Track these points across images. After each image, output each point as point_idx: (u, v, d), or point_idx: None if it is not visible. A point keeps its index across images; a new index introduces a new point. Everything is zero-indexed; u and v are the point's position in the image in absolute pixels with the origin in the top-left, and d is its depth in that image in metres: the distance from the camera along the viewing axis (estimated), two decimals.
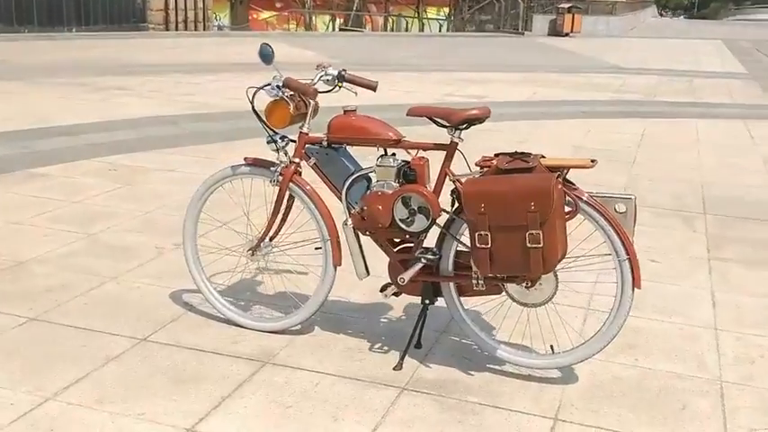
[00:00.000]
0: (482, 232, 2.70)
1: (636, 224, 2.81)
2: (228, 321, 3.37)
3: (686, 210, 5.51)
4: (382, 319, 3.51)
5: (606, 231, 2.76)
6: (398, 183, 2.97)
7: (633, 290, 2.80)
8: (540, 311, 3.08)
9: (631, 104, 10.77)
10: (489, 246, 2.70)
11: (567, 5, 27.07)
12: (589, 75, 14.49)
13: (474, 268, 2.88)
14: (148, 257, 4.17)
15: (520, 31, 29.17)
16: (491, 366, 3.09)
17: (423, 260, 2.94)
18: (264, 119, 3.13)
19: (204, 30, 25.45)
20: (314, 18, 36.00)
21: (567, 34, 26.87)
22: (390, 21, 38.15)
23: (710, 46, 24.93)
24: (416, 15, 37.53)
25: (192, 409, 2.72)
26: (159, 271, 3.99)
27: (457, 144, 2.94)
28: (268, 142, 3.16)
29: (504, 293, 2.96)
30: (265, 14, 36.60)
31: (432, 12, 39.54)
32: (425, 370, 3.05)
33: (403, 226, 2.94)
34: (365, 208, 2.98)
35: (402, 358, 3.07)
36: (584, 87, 12.48)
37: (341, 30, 33.54)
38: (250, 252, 3.28)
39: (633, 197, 2.81)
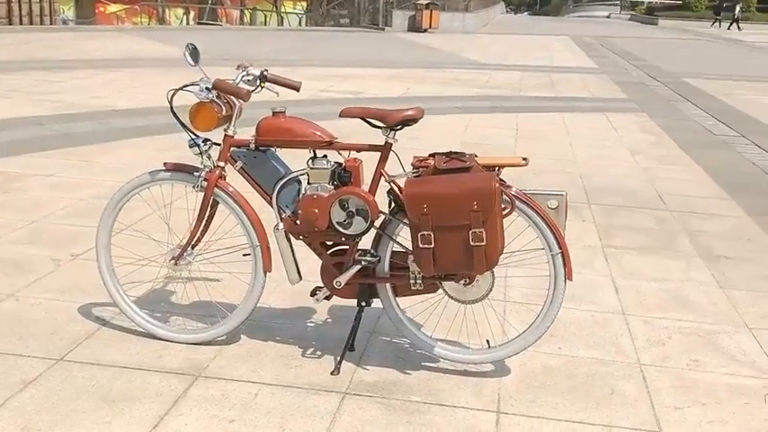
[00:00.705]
0: (425, 233, 2.71)
1: (566, 219, 2.92)
2: (150, 335, 3.21)
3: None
4: (309, 324, 3.46)
5: (539, 227, 2.86)
6: (333, 185, 2.93)
7: (565, 282, 2.91)
8: (468, 307, 3.14)
9: (500, 99, 11.16)
10: (432, 246, 2.72)
11: (425, 2, 27.62)
12: (455, 71, 14.87)
13: (412, 268, 2.90)
14: (45, 271, 3.90)
15: (380, 26, 29.51)
16: (426, 364, 3.12)
17: (363, 262, 2.92)
18: (187, 121, 2.99)
19: (51, 24, 24.01)
20: (167, 11, 34.78)
21: (425, 30, 27.44)
22: (247, 14, 37.48)
23: (559, 42, 26.23)
24: (274, 9, 37.07)
25: (130, 430, 2.58)
26: (61, 285, 3.74)
27: (391, 145, 2.94)
28: (190, 146, 3.02)
29: (439, 292, 2.99)
30: (113, 8, 34.96)
31: (288, 5, 39.19)
32: (363, 372, 3.04)
33: (340, 229, 2.90)
34: (300, 212, 2.92)
35: (339, 362, 3.03)
36: (454, 83, 12.80)
37: (198, 23, 32.63)
38: (173, 261, 3.13)
39: (564, 193, 2.92)
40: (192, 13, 35.74)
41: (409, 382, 2.99)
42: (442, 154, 2.84)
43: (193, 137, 3.02)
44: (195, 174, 3.03)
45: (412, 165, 2.89)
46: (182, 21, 35.05)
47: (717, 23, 43.52)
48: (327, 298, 3.12)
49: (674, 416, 2.83)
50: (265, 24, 35.43)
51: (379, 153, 2.94)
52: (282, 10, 37.52)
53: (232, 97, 2.98)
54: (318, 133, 2.96)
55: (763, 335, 3.54)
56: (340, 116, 2.94)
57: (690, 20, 50.34)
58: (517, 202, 2.81)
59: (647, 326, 3.60)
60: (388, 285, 3.01)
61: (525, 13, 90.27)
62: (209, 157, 3.03)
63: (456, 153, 2.83)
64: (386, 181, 2.92)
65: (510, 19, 58.16)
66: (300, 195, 2.98)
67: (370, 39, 24.43)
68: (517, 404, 2.87)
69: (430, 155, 2.90)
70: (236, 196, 3.03)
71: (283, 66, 14.30)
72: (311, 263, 3.19)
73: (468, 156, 2.82)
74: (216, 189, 3.03)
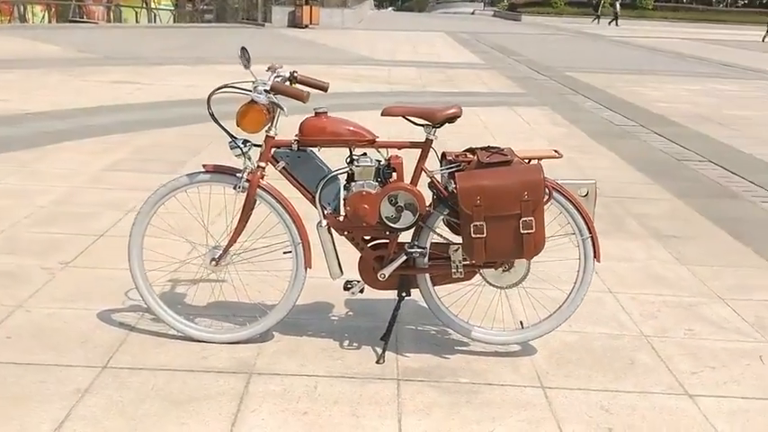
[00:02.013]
0: (477, 223, 2.88)
1: (596, 205, 3.18)
2: (186, 338, 3.21)
3: None
4: (333, 318, 3.56)
5: (571, 213, 3.09)
6: (377, 182, 3.05)
7: (594, 264, 3.16)
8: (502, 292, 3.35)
9: (410, 95, 11.42)
10: (484, 235, 2.90)
11: None
12: (353, 66, 15.05)
13: (453, 257, 3.06)
14: (42, 281, 3.78)
15: (259, 22, 29.24)
16: (458, 348, 3.30)
17: (411, 254, 3.06)
18: (220, 123, 3.02)
19: None
20: (27, 9, 32.89)
21: (306, 26, 27.46)
22: (114, 11, 36.00)
23: (438, 38, 26.94)
24: (144, 5, 35.82)
25: (212, 428, 2.61)
26: (65, 293, 3.64)
27: (432, 142, 3.09)
28: (231, 147, 3.05)
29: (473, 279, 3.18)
30: None
31: (155, 1, 37.93)
32: (406, 360, 3.18)
33: (389, 223, 3.03)
34: (349, 208, 3.02)
35: (383, 352, 3.16)
36: (359, 79, 12.96)
37: (70, 21, 31.10)
38: (213, 263, 3.15)
39: (594, 182, 3.17)
40: (52, 10, 33.97)
41: (452, 365, 3.15)
42: (482, 149, 3.02)
43: (234, 138, 3.05)
44: (237, 175, 3.07)
45: (447, 160, 3.06)
46: (42, 19, 33.25)
47: (597, 20, 45.88)
48: (362, 291, 3.23)
49: (693, 380, 3.15)
50: (136, 21, 34.20)
51: (420, 150, 3.09)
52: (153, 6, 36.34)
53: (275, 99, 3.04)
54: (361, 132, 3.07)
55: (736, 304, 3.94)
56: (382, 115, 3.07)
57: (550, 16, 52.92)
58: (553, 192, 3.03)
59: (635, 302, 3.93)
60: (427, 275, 3.16)
61: (390, 9, 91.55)
62: (249, 158, 3.07)
63: (495, 147, 3.02)
64: (427, 176, 3.07)
65: (379, 15, 58.93)
66: (343, 192, 3.07)
67: (254, 35, 24.16)
68: (556, 378, 3.10)
69: (466, 150, 3.08)
70: (278, 196, 3.09)
71: (180, 64, 14.10)
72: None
73: (507, 149, 3.01)
74: (258, 189, 3.07)
